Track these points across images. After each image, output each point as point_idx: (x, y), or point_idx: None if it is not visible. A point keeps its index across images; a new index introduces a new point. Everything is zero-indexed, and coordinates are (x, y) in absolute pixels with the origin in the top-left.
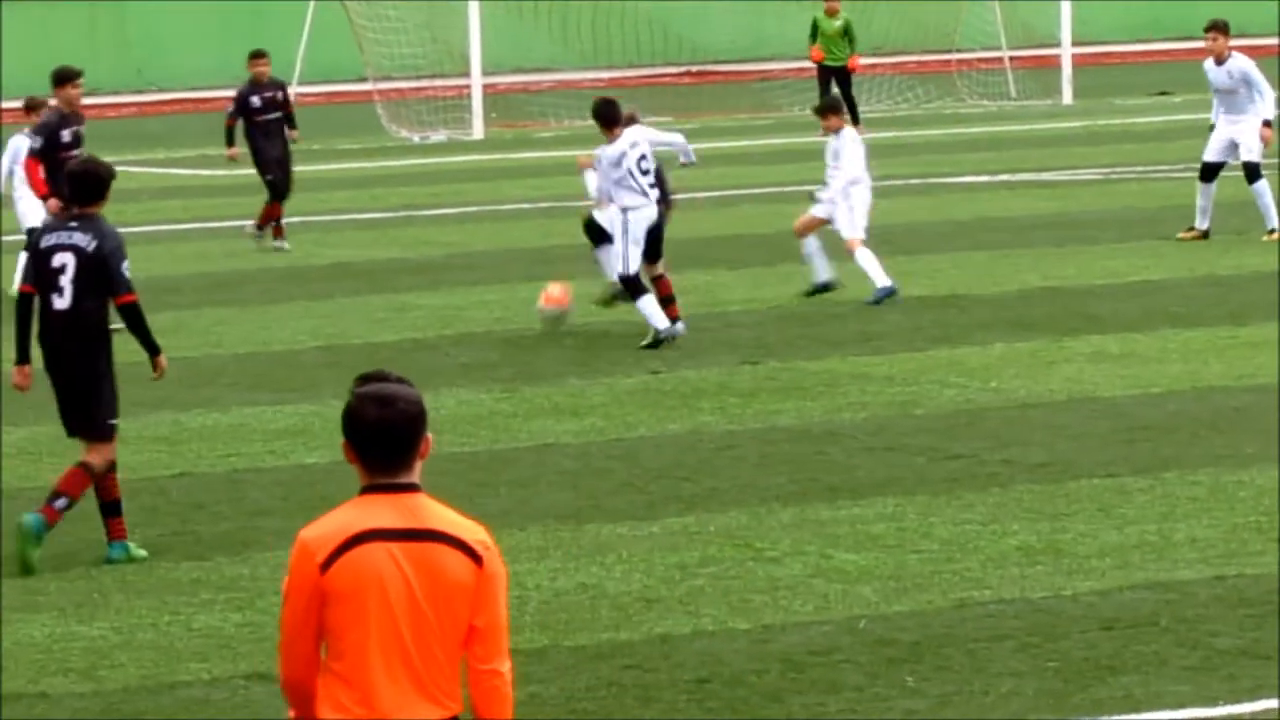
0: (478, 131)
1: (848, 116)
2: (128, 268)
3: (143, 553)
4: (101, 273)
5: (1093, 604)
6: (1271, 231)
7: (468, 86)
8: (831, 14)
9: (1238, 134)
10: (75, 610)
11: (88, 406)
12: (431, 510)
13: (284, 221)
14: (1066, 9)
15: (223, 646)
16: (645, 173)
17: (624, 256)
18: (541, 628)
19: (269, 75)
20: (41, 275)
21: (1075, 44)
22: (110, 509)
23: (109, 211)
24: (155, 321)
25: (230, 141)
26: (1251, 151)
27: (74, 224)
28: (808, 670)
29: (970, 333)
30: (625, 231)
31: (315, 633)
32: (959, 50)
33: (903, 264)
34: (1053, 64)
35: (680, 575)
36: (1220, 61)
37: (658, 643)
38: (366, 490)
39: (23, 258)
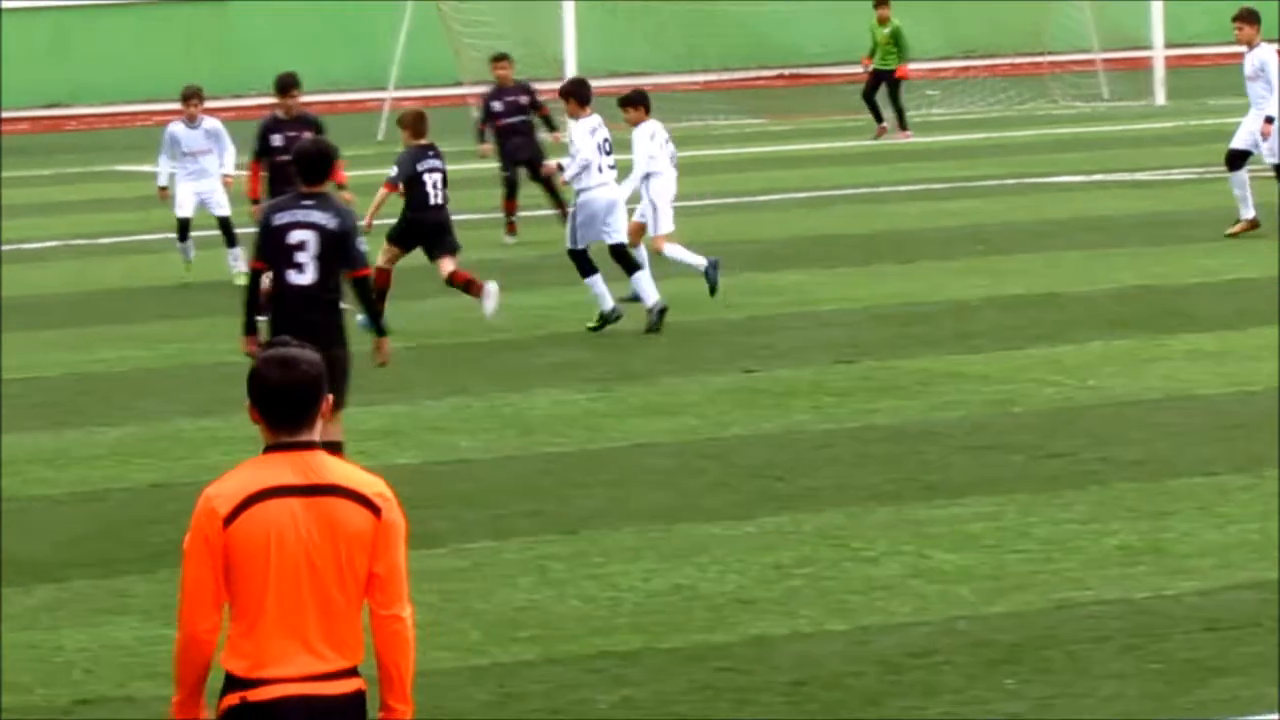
0: None
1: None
2: (363, 243)
3: None
4: (340, 248)
5: (1195, 604)
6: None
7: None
8: (882, 21)
9: (1250, 125)
10: (162, 613)
11: (332, 373)
12: (330, 466)
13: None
14: (1158, 10)
15: None
16: (608, 153)
17: (573, 233)
18: (635, 629)
19: (512, 79)
20: (278, 252)
21: (1167, 45)
22: None
23: None
24: (223, 325)
25: (481, 140)
26: (1260, 148)
27: (308, 202)
28: (906, 672)
29: (1067, 331)
30: (577, 210)
31: (217, 588)
32: (1050, 52)
33: (998, 263)
34: (1145, 65)
35: (776, 576)
36: (1250, 50)
37: (753, 645)
38: (269, 449)
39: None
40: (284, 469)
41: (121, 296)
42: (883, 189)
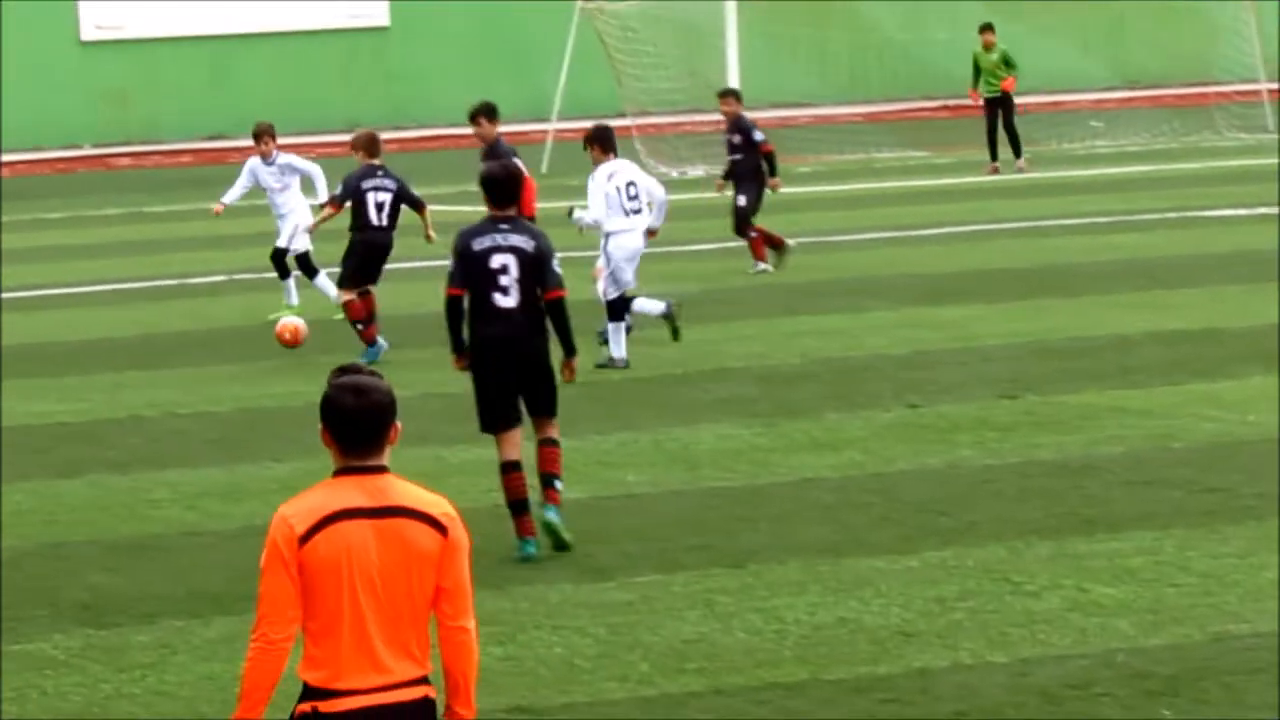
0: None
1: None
2: (558, 264)
3: (569, 537)
4: (539, 269)
5: None
6: None
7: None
8: (989, 47)
9: None
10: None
11: (542, 387)
12: (398, 488)
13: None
14: None
15: (483, 682)
16: (633, 198)
17: (607, 280)
18: (801, 661)
19: (734, 114)
20: (480, 276)
21: None
22: (548, 479)
23: None
24: (414, 356)
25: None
26: None
27: (504, 226)
28: (1065, 704)
29: (1227, 366)
30: (608, 255)
31: (293, 601)
32: (1216, 83)
33: (1160, 297)
34: None
35: (938, 609)
36: None
37: (916, 676)
38: (339, 472)
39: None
40: (355, 492)
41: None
42: (1045, 222)
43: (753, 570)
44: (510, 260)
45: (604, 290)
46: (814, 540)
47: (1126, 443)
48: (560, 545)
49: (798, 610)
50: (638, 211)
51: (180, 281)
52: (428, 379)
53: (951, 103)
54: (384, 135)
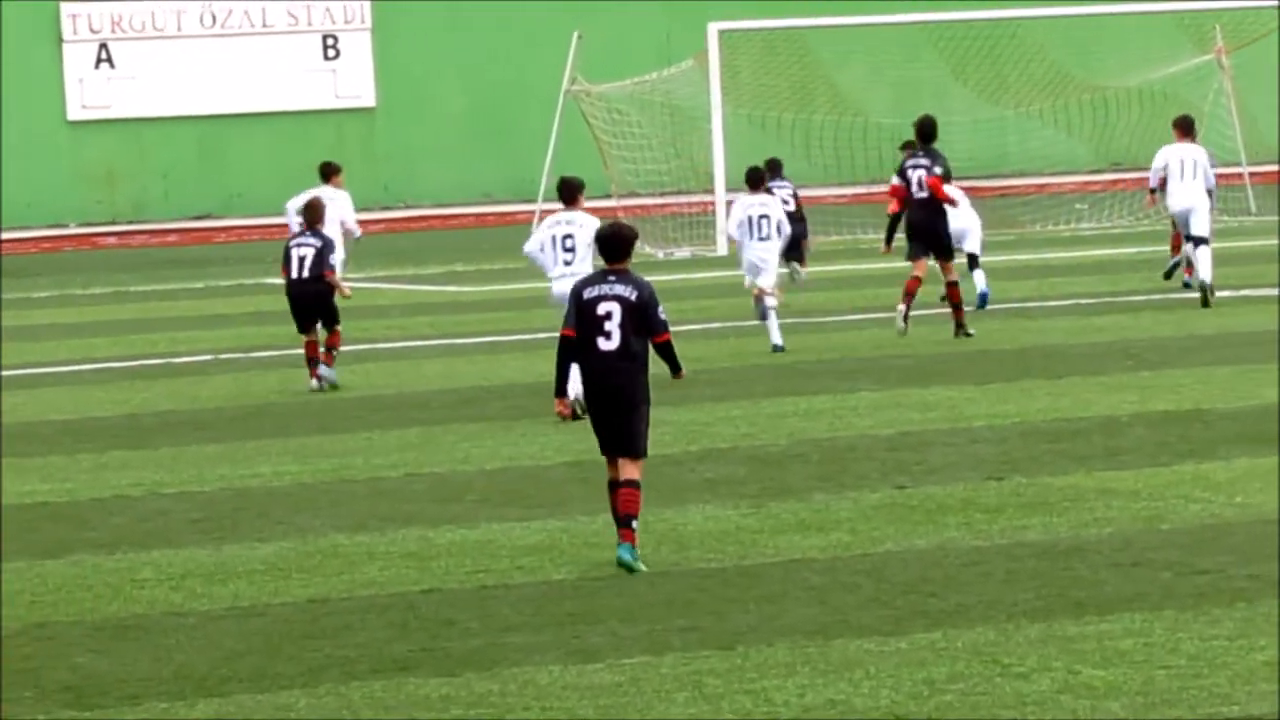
0: (722, 248)
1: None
2: (663, 311)
3: (642, 566)
4: (643, 316)
5: None
6: None
7: (711, 203)
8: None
9: None
10: None
11: (631, 427)
12: None
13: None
14: None
15: None
16: (568, 250)
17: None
18: None
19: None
20: (588, 322)
21: None
22: (625, 520)
23: None
24: (403, 437)
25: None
26: None
27: (613, 277)
28: None
29: (1215, 447)
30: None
31: None
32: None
33: (1146, 378)
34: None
35: (928, 691)
36: None
37: None
38: None
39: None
40: None
41: (278, 410)
42: (1031, 304)
43: (741, 652)
44: (615, 308)
45: None
46: (802, 621)
47: (1115, 524)
48: (633, 570)
49: (787, 692)
50: (569, 263)
51: (166, 361)
52: (413, 459)
53: None
54: (371, 216)
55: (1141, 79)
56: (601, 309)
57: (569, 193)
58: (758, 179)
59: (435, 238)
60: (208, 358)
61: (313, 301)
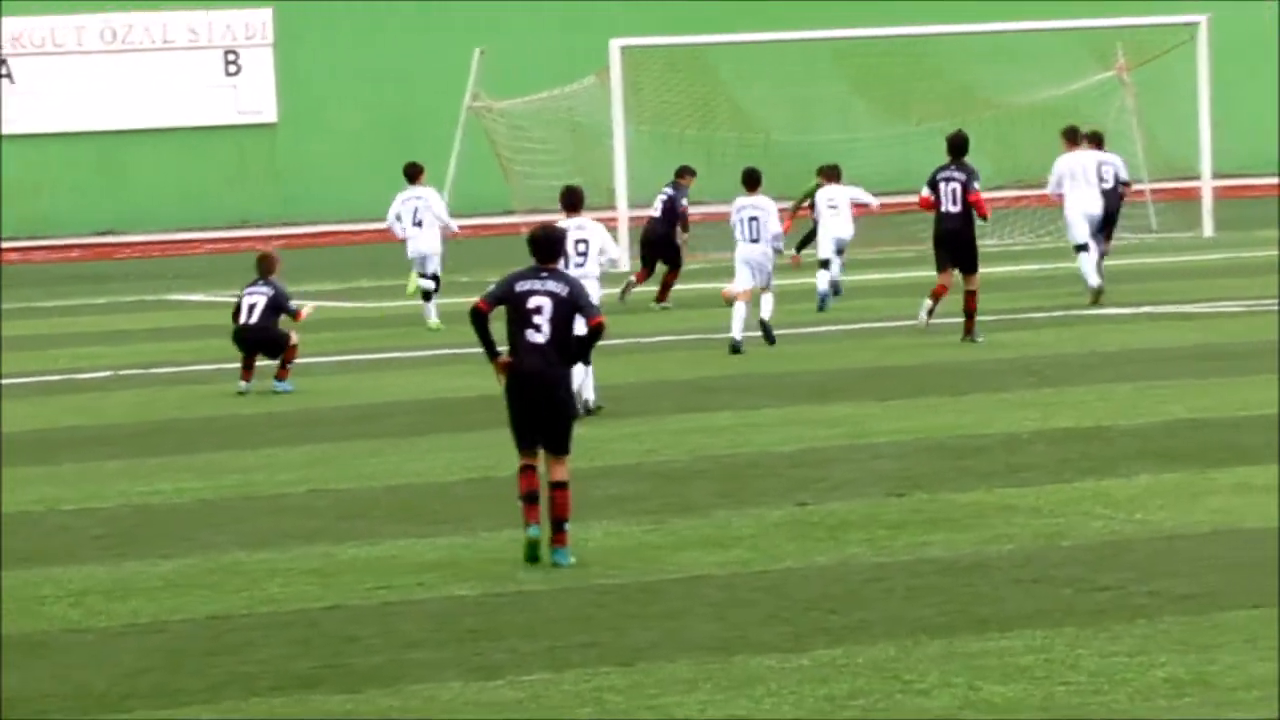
0: (624, 264)
1: None
2: (596, 297)
3: (572, 559)
4: (575, 309)
5: None
6: None
7: (615, 219)
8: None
9: None
10: None
11: (561, 423)
12: None
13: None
14: (1206, 141)
15: None
16: (581, 254)
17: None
18: None
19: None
20: (518, 314)
21: (1216, 176)
22: (558, 524)
23: None
24: (306, 454)
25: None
26: None
27: (545, 274)
28: None
29: (1116, 464)
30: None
31: None
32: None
33: (1049, 396)
34: (1193, 196)
35: (829, 707)
36: None
37: None
38: None
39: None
40: None
41: (180, 427)
42: (933, 320)
43: (642, 668)
44: (546, 302)
45: None
46: (704, 638)
47: (1016, 541)
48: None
49: (688, 708)
50: (581, 265)
51: (68, 377)
52: (316, 475)
53: None
54: (272, 232)
55: (1044, 96)
56: (532, 302)
57: (574, 201)
58: (755, 180)
59: (336, 254)
60: (109, 374)
61: (258, 344)
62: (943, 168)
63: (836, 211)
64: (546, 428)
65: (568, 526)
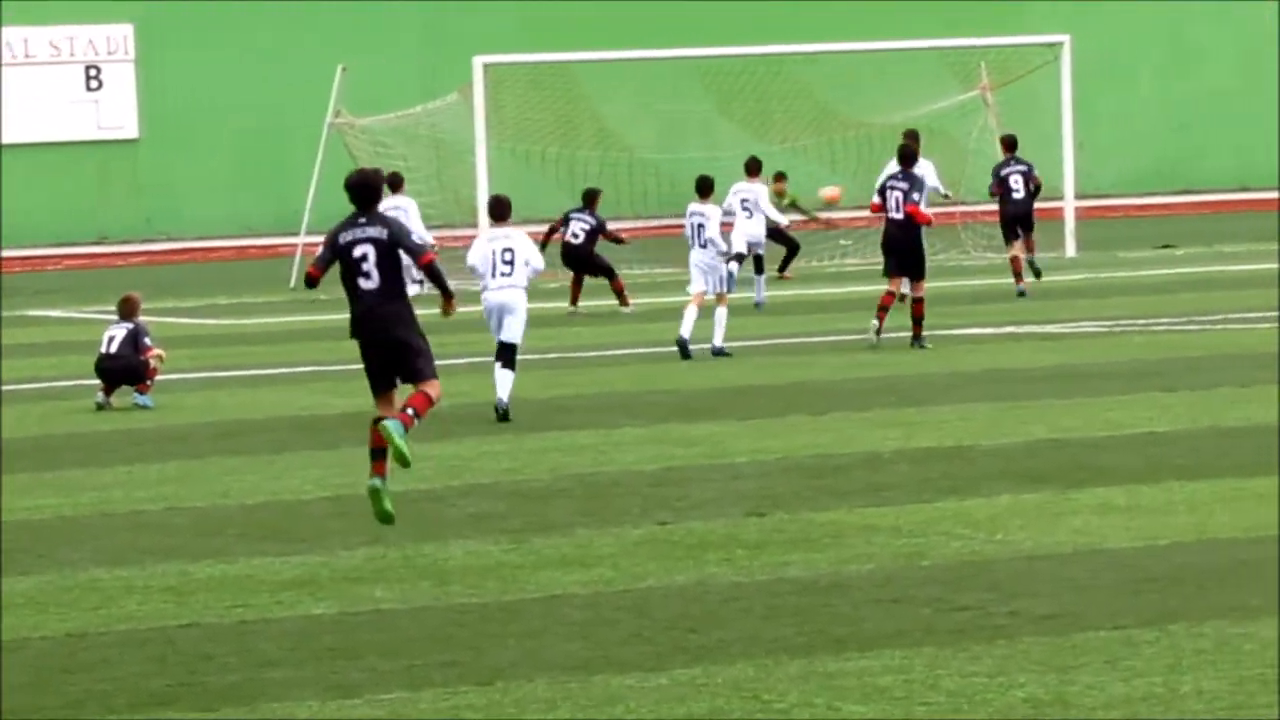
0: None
1: None
2: (417, 235)
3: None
4: (398, 249)
5: None
6: None
7: (476, 236)
8: (780, 194)
9: None
10: None
11: (412, 356)
12: None
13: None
14: (1069, 162)
15: None
16: (507, 262)
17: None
18: None
19: None
20: (347, 266)
21: (1078, 197)
22: (408, 408)
23: None
24: (164, 471)
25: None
26: None
27: (363, 220)
28: None
29: (977, 484)
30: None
31: None
32: (963, 203)
33: (911, 415)
34: (1056, 217)
35: None
36: None
37: None
38: None
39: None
40: None
41: (38, 444)
42: (796, 340)
43: (501, 687)
44: (370, 249)
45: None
46: (563, 657)
47: (876, 560)
48: (397, 455)
49: None
50: (507, 275)
51: None
52: (174, 493)
53: None
54: (132, 248)
55: (906, 115)
56: (357, 251)
57: (501, 210)
58: (707, 188)
59: (197, 270)
60: None
61: (117, 373)
62: (892, 176)
63: (749, 214)
64: (399, 364)
65: (412, 412)
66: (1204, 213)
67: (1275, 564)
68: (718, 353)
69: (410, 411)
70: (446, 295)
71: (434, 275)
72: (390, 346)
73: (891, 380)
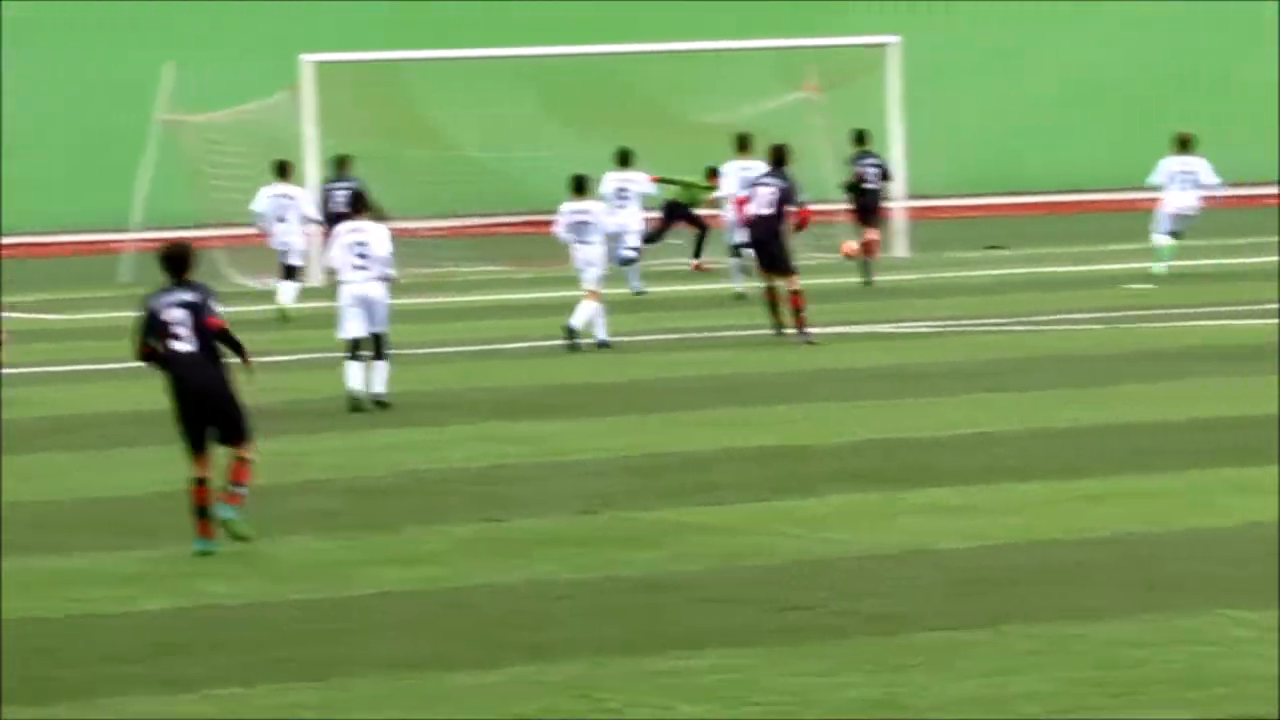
0: (314, 278)
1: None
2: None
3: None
4: (203, 312)
5: None
6: None
7: (307, 233)
8: (713, 188)
9: None
10: None
11: (229, 416)
12: None
13: None
14: (899, 162)
15: None
16: (361, 256)
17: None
18: None
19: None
20: (160, 331)
21: (908, 197)
22: (233, 487)
23: None
24: (5, 465)
25: None
26: None
27: (176, 287)
28: None
29: (809, 484)
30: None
31: None
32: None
33: (742, 414)
34: (885, 217)
35: None
36: None
37: None
38: None
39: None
40: None
41: None
42: (624, 338)
43: (335, 683)
44: (185, 314)
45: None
46: (396, 654)
47: (706, 560)
48: (239, 538)
49: None
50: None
51: None
52: (7, 488)
53: (533, 218)
54: None
55: (733, 115)
56: (169, 315)
57: (358, 203)
58: (581, 186)
59: (27, 266)
60: None
61: None
62: (761, 175)
63: (625, 203)
64: (217, 423)
65: (242, 491)
66: (1031, 214)
67: (1105, 565)
68: (603, 345)
69: (240, 491)
70: (243, 358)
71: (227, 339)
72: (209, 409)
73: (722, 379)
